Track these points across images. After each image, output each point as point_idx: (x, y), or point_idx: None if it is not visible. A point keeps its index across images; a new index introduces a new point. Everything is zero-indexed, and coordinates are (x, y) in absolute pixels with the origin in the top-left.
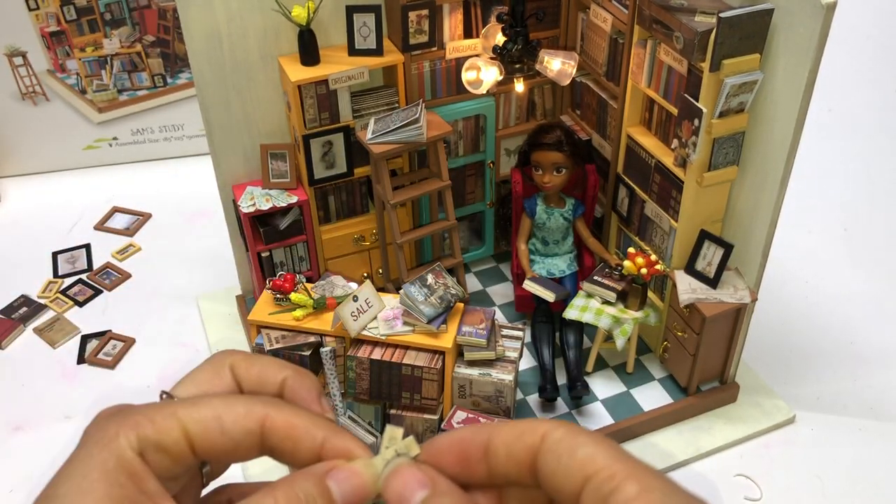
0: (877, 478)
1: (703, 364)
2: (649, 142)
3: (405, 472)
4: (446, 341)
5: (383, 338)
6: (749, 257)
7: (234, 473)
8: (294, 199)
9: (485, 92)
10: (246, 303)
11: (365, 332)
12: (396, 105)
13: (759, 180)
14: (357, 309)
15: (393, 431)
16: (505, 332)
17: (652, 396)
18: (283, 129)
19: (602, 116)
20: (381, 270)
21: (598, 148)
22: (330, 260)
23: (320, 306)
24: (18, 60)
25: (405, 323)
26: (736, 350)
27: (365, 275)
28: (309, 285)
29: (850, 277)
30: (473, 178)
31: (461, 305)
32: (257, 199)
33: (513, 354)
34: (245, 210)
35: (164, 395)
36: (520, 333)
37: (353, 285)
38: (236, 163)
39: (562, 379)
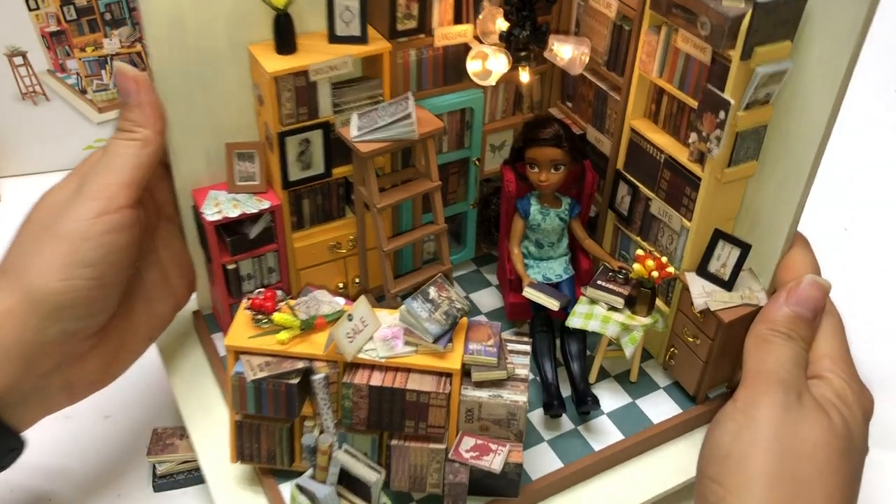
0: (877, 477)
1: (714, 370)
2: (657, 136)
3: None
4: (453, 362)
5: (382, 360)
6: (766, 257)
7: None
8: (266, 205)
9: (493, 84)
10: (205, 319)
11: (361, 355)
12: (380, 98)
13: (780, 176)
14: (352, 329)
15: None
16: (510, 346)
17: (659, 406)
18: (251, 126)
19: (600, 109)
20: (357, 280)
21: (593, 143)
22: (302, 270)
23: (308, 327)
24: (19, 60)
25: (407, 342)
26: None
27: (340, 285)
28: (292, 302)
29: (849, 277)
30: (457, 177)
31: (465, 320)
32: (223, 205)
33: (523, 372)
34: (210, 218)
35: None
36: (527, 348)
37: (340, 300)
38: (198, 164)
39: (565, 391)
